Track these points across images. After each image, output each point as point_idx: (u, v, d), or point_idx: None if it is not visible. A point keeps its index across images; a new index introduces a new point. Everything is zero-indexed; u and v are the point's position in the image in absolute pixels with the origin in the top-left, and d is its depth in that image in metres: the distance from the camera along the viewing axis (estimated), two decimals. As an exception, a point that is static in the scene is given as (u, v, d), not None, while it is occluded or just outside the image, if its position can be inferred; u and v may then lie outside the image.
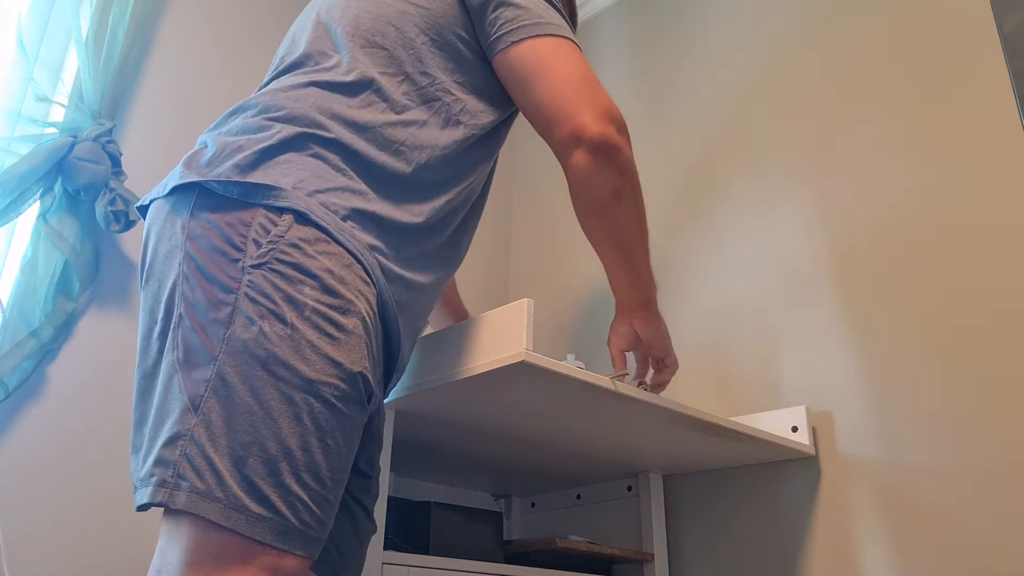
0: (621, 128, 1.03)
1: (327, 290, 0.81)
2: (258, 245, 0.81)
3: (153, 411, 0.78)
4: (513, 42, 1.02)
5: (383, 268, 0.90)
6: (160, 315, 0.82)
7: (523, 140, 2.48)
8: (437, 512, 1.42)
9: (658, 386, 1.25)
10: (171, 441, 0.74)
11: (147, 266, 0.87)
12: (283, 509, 0.73)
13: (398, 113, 0.96)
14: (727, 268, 1.78)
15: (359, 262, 0.85)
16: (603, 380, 1.15)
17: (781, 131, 1.78)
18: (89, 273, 1.49)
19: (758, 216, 1.76)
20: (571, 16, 1.45)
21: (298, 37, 1.05)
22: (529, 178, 2.40)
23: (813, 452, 1.50)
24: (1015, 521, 1.26)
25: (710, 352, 1.74)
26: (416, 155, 0.96)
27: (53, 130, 1.52)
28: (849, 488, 1.45)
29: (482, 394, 1.18)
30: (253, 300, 0.78)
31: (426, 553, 1.38)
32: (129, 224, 1.50)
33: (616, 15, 2.32)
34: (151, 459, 0.75)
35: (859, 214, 1.59)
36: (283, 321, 0.78)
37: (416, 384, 1.17)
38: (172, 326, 0.79)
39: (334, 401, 0.78)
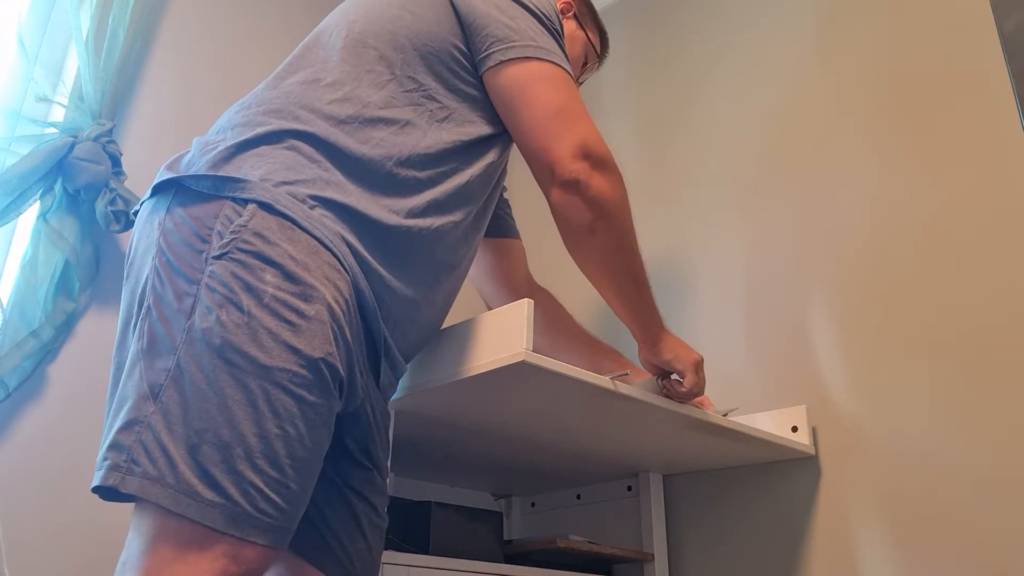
0: (597, 163, 1.02)
1: (289, 277, 0.81)
2: (221, 236, 0.81)
3: (115, 400, 0.79)
4: (501, 62, 1.02)
5: (357, 256, 0.88)
6: (135, 310, 0.83)
7: (523, 140, 2.48)
8: (437, 512, 1.42)
9: (683, 397, 1.23)
10: (127, 426, 0.75)
11: (128, 264, 0.88)
12: (235, 495, 0.73)
13: (380, 109, 0.96)
14: (727, 268, 1.78)
15: (327, 248, 0.85)
16: (603, 380, 1.15)
17: (780, 130, 1.78)
18: (89, 273, 1.49)
19: (758, 216, 1.76)
20: (599, 30, 1.49)
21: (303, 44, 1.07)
22: (529, 178, 2.40)
23: (813, 452, 1.50)
24: (1015, 520, 1.26)
25: (710, 352, 1.74)
26: (396, 151, 0.94)
27: (53, 130, 1.52)
28: (849, 488, 1.45)
29: (482, 394, 1.18)
30: (212, 290, 0.79)
31: (426, 553, 1.38)
32: (129, 224, 1.50)
33: (616, 15, 2.32)
34: (107, 443, 0.76)
35: (859, 214, 1.59)
36: (240, 309, 0.78)
37: (416, 384, 1.17)
38: (140, 318, 0.81)
39: (293, 388, 0.77)
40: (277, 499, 0.75)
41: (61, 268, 1.45)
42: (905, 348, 1.45)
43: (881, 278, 1.52)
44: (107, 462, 0.74)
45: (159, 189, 0.89)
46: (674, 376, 1.21)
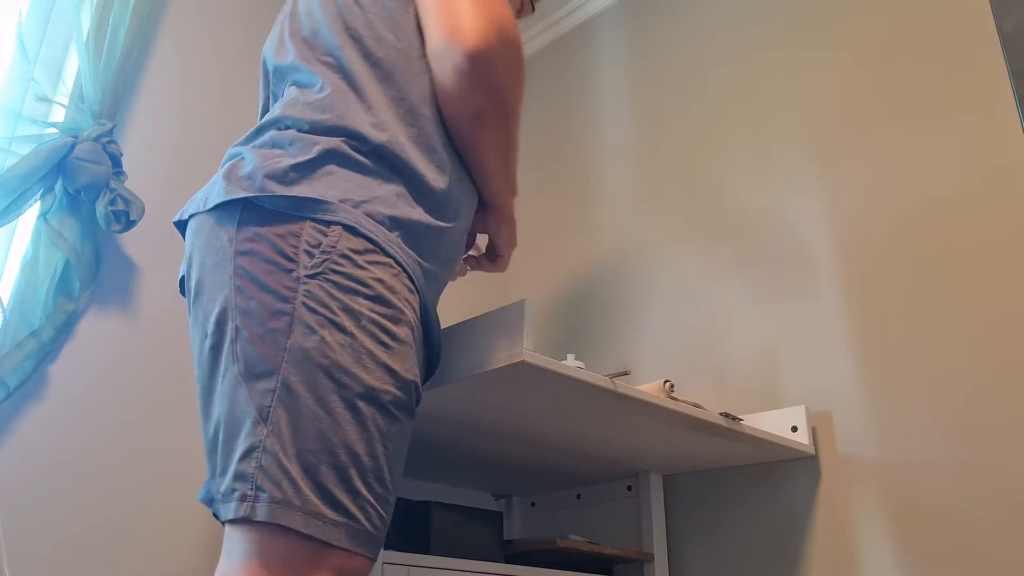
0: (506, 42, 0.94)
1: (380, 300, 0.82)
2: (310, 256, 0.81)
3: (222, 427, 0.79)
4: None
5: (425, 272, 0.92)
6: (211, 328, 0.82)
7: (523, 140, 2.48)
8: (437, 512, 1.42)
9: (491, 271, 1.24)
10: (247, 454, 0.76)
11: (195, 282, 0.87)
12: (357, 514, 0.75)
13: (418, 128, 0.96)
14: (726, 268, 1.78)
15: (405, 271, 0.87)
16: (603, 380, 1.15)
17: (781, 131, 1.78)
18: (90, 273, 1.50)
19: (757, 216, 1.76)
20: None
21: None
22: (528, 178, 2.40)
23: (813, 452, 1.50)
24: (1015, 519, 1.26)
25: (710, 352, 1.74)
26: (443, 159, 0.98)
27: (54, 130, 1.52)
28: (849, 488, 1.45)
29: (482, 394, 1.18)
30: (311, 309, 0.79)
31: (426, 553, 1.38)
32: (130, 224, 1.50)
33: (616, 15, 2.32)
34: (230, 473, 0.76)
35: (858, 214, 1.59)
36: (343, 330, 0.79)
37: (416, 384, 1.18)
38: (229, 339, 0.80)
39: (391, 408, 0.80)
40: (384, 514, 0.79)
41: (61, 268, 1.45)
42: (905, 348, 1.45)
43: (881, 278, 1.52)
44: (235, 493, 0.75)
45: (223, 205, 0.87)
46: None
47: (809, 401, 1.55)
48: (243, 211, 0.85)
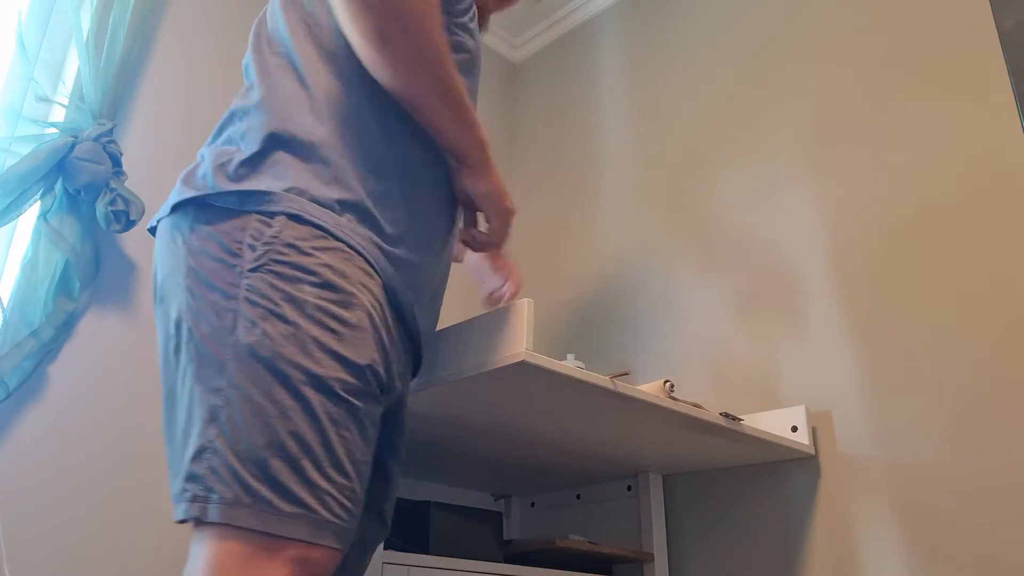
0: None
1: (327, 286, 0.81)
2: (253, 249, 0.81)
3: (180, 428, 0.79)
4: None
5: (388, 256, 0.89)
6: (172, 331, 0.83)
7: (523, 140, 2.48)
8: (437, 512, 1.42)
9: (482, 244, 1.05)
10: (197, 455, 0.76)
11: (158, 285, 0.88)
12: (314, 504, 0.74)
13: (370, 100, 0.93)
14: (726, 268, 1.78)
15: (360, 254, 0.85)
16: (603, 380, 1.15)
17: (780, 130, 1.78)
18: (89, 273, 1.50)
19: (757, 215, 1.76)
20: None
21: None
22: (529, 178, 2.40)
23: (813, 452, 1.50)
24: (1014, 519, 1.26)
25: (710, 352, 1.74)
26: (390, 128, 0.93)
27: (54, 130, 1.52)
28: (848, 487, 1.45)
29: (482, 394, 1.18)
30: (253, 303, 0.79)
31: (426, 553, 1.38)
32: (129, 224, 1.50)
33: (616, 15, 2.32)
34: (182, 475, 0.76)
35: (858, 214, 1.59)
36: (285, 320, 0.78)
37: (416, 384, 1.17)
38: (184, 341, 0.81)
39: (344, 395, 0.79)
40: (348, 503, 0.77)
41: (61, 268, 1.45)
42: (905, 348, 1.45)
43: (881, 279, 1.52)
44: (187, 494, 0.75)
45: (179, 207, 0.87)
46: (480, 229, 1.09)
47: (809, 401, 1.55)
48: (196, 211, 0.86)
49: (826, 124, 1.71)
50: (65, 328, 1.45)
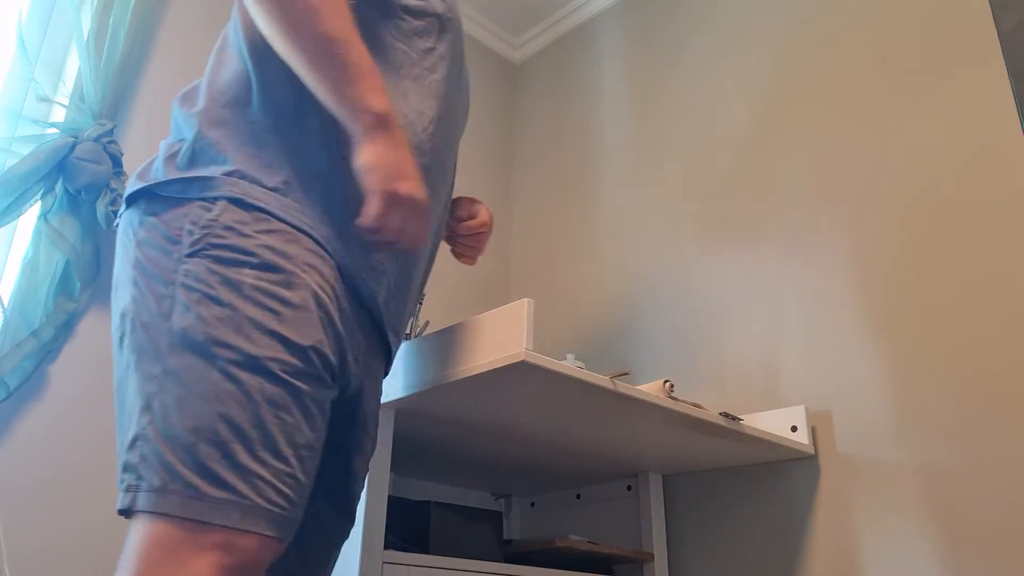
0: None
1: (267, 267, 0.80)
2: (191, 234, 0.80)
3: (124, 418, 0.78)
4: None
5: (341, 237, 0.86)
6: (118, 322, 0.82)
7: (523, 140, 2.48)
8: (437, 512, 1.42)
9: (367, 232, 0.85)
10: (132, 444, 0.74)
11: (113, 279, 0.88)
12: (244, 489, 0.72)
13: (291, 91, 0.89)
14: (727, 268, 1.78)
15: (306, 234, 0.83)
16: (603, 380, 1.15)
17: (780, 131, 1.78)
18: (90, 273, 1.50)
19: (757, 216, 1.76)
20: None
21: None
22: (529, 179, 2.40)
23: (813, 452, 1.50)
24: (1014, 518, 1.26)
25: (710, 352, 1.74)
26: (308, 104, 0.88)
27: (54, 130, 1.52)
28: (848, 487, 1.45)
29: (482, 394, 1.18)
30: (189, 288, 0.78)
31: (426, 553, 1.38)
32: (130, 224, 1.50)
33: (616, 15, 2.32)
34: (120, 464, 0.76)
35: (859, 214, 1.59)
36: (219, 303, 0.77)
37: (416, 384, 1.17)
38: (129, 332, 0.80)
39: (285, 376, 0.76)
40: (285, 488, 0.74)
41: (62, 268, 1.45)
42: (905, 348, 1.45)
43: (880, 279, 1.52)
44: (123, 484, 0.74)
45: (131, 200, 0.87)
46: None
47: (809, 401, 1.55)
48: (147, 203, 0.85)
49: (826, 123, 1.71)
50: (65, 328, 1.45)
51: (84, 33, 1.55)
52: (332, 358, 0.81)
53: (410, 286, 0.97)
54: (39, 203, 1.46)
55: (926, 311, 1.45)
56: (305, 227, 0.83)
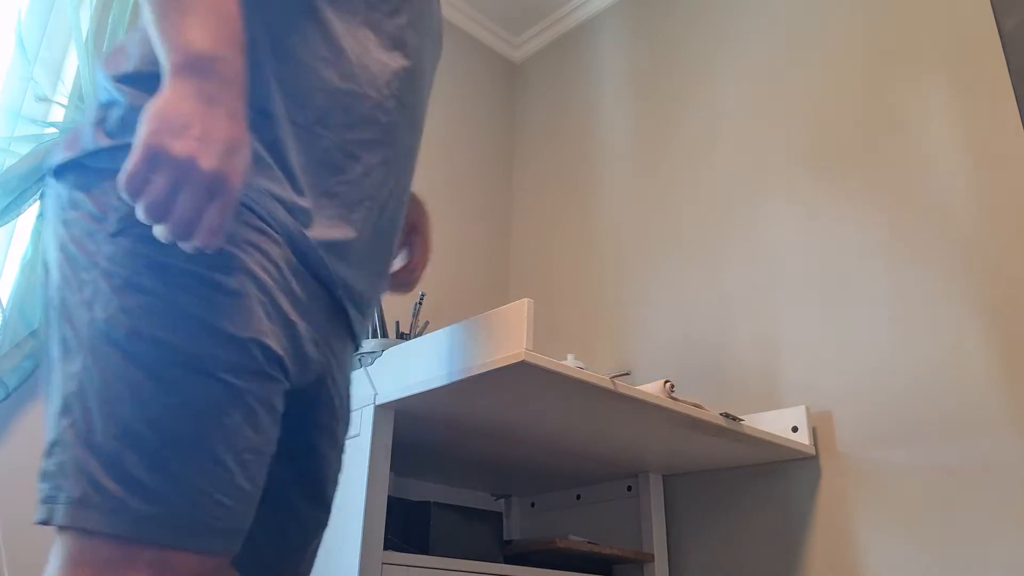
0: None
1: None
2: (117, 211, 0.70)
3: (47, 420, 0.70)
4: None
5: (290, 209, 0.76)
6: (45, 312, 0.74)
7: (523, 140, 2.48)
8: (437, 512, 1.42)
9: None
10: (49, 450, 0.66)
11: (40, 265, 0.79)
12: (175, 501, 0.63)
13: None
14: (726, 268, 1.78)
15: (249, 209, 0.73)
16: (603, 380, 1.15)
17: (781, 131, 1.78)
18: (89, 273, 1.49)
19: (757, 216, 1.76)
20: None
21: None
22: (529, 178, 2.40)
23: (813, 452, 1.50)
24: (1014, 519, 1.26)
25: (710, 352, 1.74)
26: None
27: (53, 130, 1.52)
28: (849, 488, 1.45)
29: (482, 394, 1.18)
30: (111, 274, 0.68)
31: (426, 553, 1.38)
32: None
33: (616, 15, 2.32)
34: (38, 473, 0.67)
35: (859, 215, 1.59)
36: (144, 290, 0.67)
37: (416, 384, 1.17)
38: (53, 322, 0.71)
39: (222, 375, 0.67)
40: (225, 499, 0.66)
41: (61, 268, 1.45)
42: (905, 348, 1.45)
43: (880, 278, 1.52)
44: (40, 495, 0.65)
45: (59, 173, 0.76)
46: None
47: (809, 401, 1.55)
48: (76, 177, 0.74)
49: (825, 122, 1.71)
50: (65, 328, 1.45)
51: (83, 32, 1.55)
52: (277, 349, 0.72)
53: (379, 259, 0.87)
54: (38, 203, 1.46)
55: (927, 311, 1.44)
56: (247, 199, 0.73)
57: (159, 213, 0.63)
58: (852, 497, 1.44)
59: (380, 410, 1.24)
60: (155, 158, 0.62)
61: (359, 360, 1.31)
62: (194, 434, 0.65)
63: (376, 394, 1.24)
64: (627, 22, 2.28)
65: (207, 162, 0.63)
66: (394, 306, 1.94)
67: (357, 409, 1.26)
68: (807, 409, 1.52)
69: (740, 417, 1.45)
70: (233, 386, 0.68)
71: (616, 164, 2.14)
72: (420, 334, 1.60)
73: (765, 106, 1.83)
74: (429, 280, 2.10)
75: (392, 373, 1.23)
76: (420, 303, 1.59)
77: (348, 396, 0.91)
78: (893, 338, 1.47)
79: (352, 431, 1.25)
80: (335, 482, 0.89)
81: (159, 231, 0.64)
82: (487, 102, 2.49)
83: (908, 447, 1.40)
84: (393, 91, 0.86)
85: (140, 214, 0.63)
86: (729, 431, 1.36)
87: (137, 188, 0.63)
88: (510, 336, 1.06)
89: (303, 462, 0.84)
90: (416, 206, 1.10)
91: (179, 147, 0.63)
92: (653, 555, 1.60)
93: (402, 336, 1.56)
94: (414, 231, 1.09)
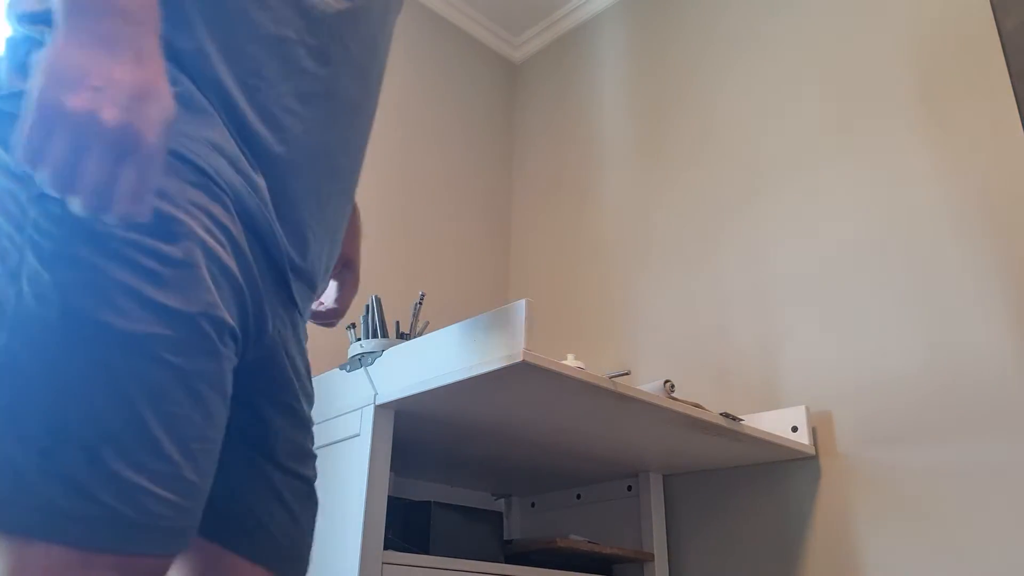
0: None
1: None
2: None
3: None
4: None
5: (234, 163, 0.69)
6: None
7: (523, 140, 2.48)
8: (437, 512, 1.42)
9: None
10: None
11: None
12: (114, 502, 0.56)
13: None
14: (727, 268, 1.78)
15: (191, 163, 0.64)
16: (603, 380, 1.15)
17: (781, 131, 1.78)
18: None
19: (757, 216, 1.76)
20: None
21: None
22: (529, 178, 2.40)
23: (813, 452, 1.50)
24: (1014, 519, 1.26)
25: (710, 352, 1.74)
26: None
27: None
28: (849, 488, 1.45)
29: (482, 394, 1.18)
30: (37, 244, 0.59)
31: (426, 553, 1.38)
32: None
33: (616, 15, 2.32)
34: None
35: (859, 215, 1.59)
36: (78, 264, 0.59)
37: (416, 384, 1.17)
38: None
39: (168, 357, 0.60)
40: (170, 496, 0.59)
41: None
42: (905, 348, 1.45)
43: (880, 278, 1.52)
44: None
45: None
46: None
47: (809, 401, 1.55)
48: None
49: (825, 125, 1.71)
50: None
51: None
52: (230, 320, 0.65)
53: (321, 222, 0.79)
54: (38, 203, 1.46)
55: (927, 311, 1.44)
56: (188, 153, 0.64)
57: (65, 183, 0.54)
58: (852, 497, 1.44)
59: (380, 410, 1.24)
60: (49, 119, 0.53)
61: (359, 360, 1.31)
62: (134, 425, 0.58)
63: (376, 394, 1.24)
64: (627, 22, 2.28)
65: (110, 114, 0.54)
66: (394, 306, 1.94)
67: (357, 409, 1.26)
68: (807, 409, 1.52)
69: (740, 417, 1.45)
70: (180, 370, 0.61)
71: (616, 164, 2.14)
72: (420, 334, 1.60)
73: (764, 106, 1.83)
74: (429, 280, 2.10)
75: (392, 373, 1.23)
76: (420, 303, 1.59)
77: (307, 367, 0.84)
78: (893, 338, 1.47)
79: (352, 431, 1.25)
80: (309, 449, 0.82)
81: (73, 204, 0.54)
82: (487, 102, 2.49)
83: (908, 447, 1.40)
84: (334, 36, 0.78)
85: (45, 187, 0.54)
86: (729, 431, 1.36)
87: (35, 157, 0.53)
88: (510, 336, 1.06)
89: (279, 441, 0.79)
90: (352, 239, 1.02)
91: (74, 102, 0.53)
92: (653, 555, 1.60)
93: (402, 336, 1.56)
94: (347, 267, 1.02)
